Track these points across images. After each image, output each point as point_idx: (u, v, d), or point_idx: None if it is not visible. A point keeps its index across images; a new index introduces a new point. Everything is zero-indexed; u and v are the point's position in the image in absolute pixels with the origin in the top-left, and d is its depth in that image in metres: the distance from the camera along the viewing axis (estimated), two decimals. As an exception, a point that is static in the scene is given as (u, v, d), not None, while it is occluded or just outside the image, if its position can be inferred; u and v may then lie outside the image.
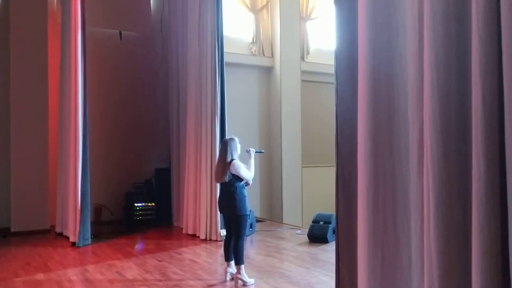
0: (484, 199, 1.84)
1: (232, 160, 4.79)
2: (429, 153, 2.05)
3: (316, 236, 6.69)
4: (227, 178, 4.77)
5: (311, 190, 9.66)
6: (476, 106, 1.88)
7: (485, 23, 1.84)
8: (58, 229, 7.44)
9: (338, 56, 2.71)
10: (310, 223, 7.00)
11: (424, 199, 2.10)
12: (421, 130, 2.14)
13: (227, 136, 5.46)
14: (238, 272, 4.80)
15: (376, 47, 2.39)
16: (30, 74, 7.60)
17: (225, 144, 4.87)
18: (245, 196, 4.87)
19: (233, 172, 4.78)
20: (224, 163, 4.79)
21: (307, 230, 6.98)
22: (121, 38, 8.77)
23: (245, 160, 5.04)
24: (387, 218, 2.34)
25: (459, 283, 1.96)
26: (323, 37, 10.75)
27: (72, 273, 5.23)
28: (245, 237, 4.99)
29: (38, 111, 7.67)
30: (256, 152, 5.33)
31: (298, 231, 7.56)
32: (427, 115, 2.06)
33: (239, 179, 4.85)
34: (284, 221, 9.15)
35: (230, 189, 4.81)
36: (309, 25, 10.50)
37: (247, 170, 4.91)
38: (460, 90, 2.03)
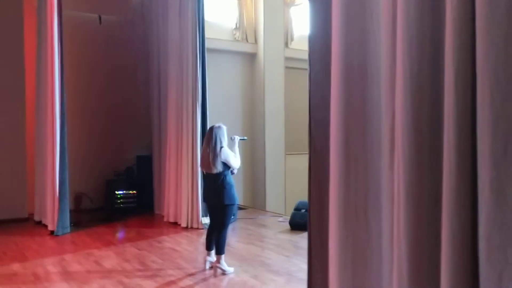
0: (455, 191, 1.80)
1: (221, 148, 4.69)
2: (400, 142, 2.00)
3: (298, 224, 6.67)
4: (219, 168, 4.65)
5: (294, 177, 9.63)
6: (448, 97, 1.83)
7: (459, 10, 1.78)
8: (36, 218, 7.33)
9: (311, 42, 2.64)
10: (292, 210, 6.99)
11: (395, 189, 2.06)
12: (393, 119, 2.10)
13: (211, 123, 5.36)
14: (218, 261, 4.76)
15: (350, 33, 2.33)
16: (5, 60, 7.41)
17: (213, 132, 4.72)
18: (233, 185, 4.79)
19: (222, 160, 4.69)
20: (214, 151, 4.65)
21: (289, 218, 6.98)
22: (100, 22, 8.57)
23: (229, 147, 4.96)
24: (358, 209, 2.30)
25: (429, 276, 1.93)
26: (307, 23, 10.64)
27: (49, 263, 5.15)
28: (228, 226, 4.94)
29: (15, 98, 7.50)
30: (240, 139, 5.24)
31: (280, 219, 7.55)
32: (399, 102, 2.01)
33: (227, 167, 4.76)
34: (267, 208, 9.13)
35: (219, 178, 4.69)
36: (293, 11, 10.38)
37: (235, 158, 4.83)
38: (433, 79, 1.97)
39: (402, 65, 1.98)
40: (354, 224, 2.29)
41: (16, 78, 7.51)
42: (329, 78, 2.41)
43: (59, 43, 6.62)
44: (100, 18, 8.55)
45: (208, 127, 5.77)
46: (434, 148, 1.96)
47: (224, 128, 4.80)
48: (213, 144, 4.66)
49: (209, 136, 4.74)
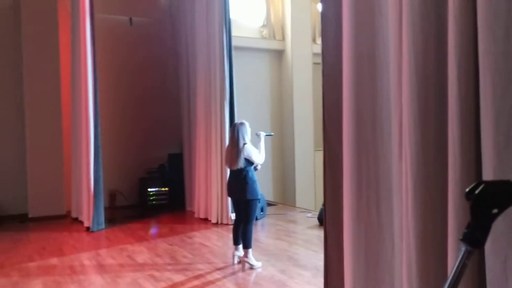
0: (460, 182, 1.81)
1: (244, 144, 4.78)
2: (407, 135, 2.02)
3: (326, 219, 6.67)
4: (241, 164, 4.75)
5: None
6: (452, 90, 1.84)
7: (461, 6, 1.79)
8: (73, 214, 7.63)
9: (324, 38, 2.67)
10: (321, 206, 6.99)
11: (403, 181, 2.08)
12: (401, 113, 2.11)
13: (237, 120, 5.44)
14: (246, 255, 4.84)
15: (360, 30, 2.35)
16: (42, 62, 7.72)
17: (235, 129, 4.83)
18: (255, 181, 4.87)
19: (245, 157, 4.77)
20: (237, 148, 4.75)
21: (317, 213, 6.99)
22: (131, 24, 8.81)
23: (254, 143, 5.04)
24: (370, 202, 2.33)
25: (437, 266, 1.95)
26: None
27: (85, 257, 5.37)
28: (254, 221, 5.01)
29: (52, 98, 7.80)
30: (266, 135, 5.30)
31: (309, 215, 7.57)
32: (405, 94, 2.02)
33: (250, 163, 4.85)
34: (297, 204, 9.16)
35: (242, 174, 4.80)
36: (320, 7, 10.34)
37: (258, 154, 4.90)
38: (438, 73, 1.98)
39: (408, 60, 2.00)
40: (366, 217, 2.32)
41: (53, 80, 7.82)
42: (341, 73, 2.44)
43: (92, 45, 6.86)
44: (130, 20, 8.79)
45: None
46: (439, 140, 1.97)
47: (247, 124, 4.88)
48: (236, 140, 4.76)
49: (232, 133, 4.85)
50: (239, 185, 4.83)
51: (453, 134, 1.83)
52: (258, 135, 5.17)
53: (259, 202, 5.14)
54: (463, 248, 0.98)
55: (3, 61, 7.80)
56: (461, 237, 0.99)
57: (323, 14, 2.71)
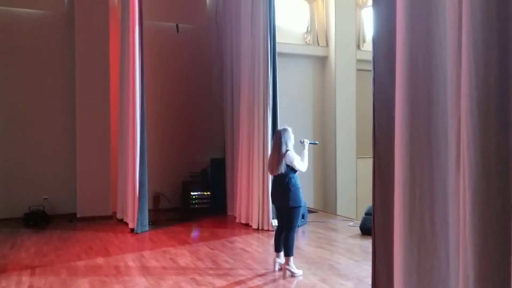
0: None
1: (287, 151, 4.78)
2: (466, 147, 1.94)
3: (368, 229, 6.52)
4: (282, 170, 4.75)
5: (366, 181, 9.44)
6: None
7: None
8: (119, 216, 7.83)
9: (375, 44, 2.62)
10: (363, 215, 6.88)
11: (461, 195, 2.00)
12: (459, 123, 2.03)
13: (280, 127, 5.44)
14: (287, 263, 4.81)
15: (415, 36, 2.29)
16: (93, 68, 8.00)
17: (278, 135, 4.83)
18: (299, 188, 4.84)
19: (287, 163, 4.77)
20: (279, 154, 4.76)
21: (359, 222, 6.88)
22: (177, 31, 9.00)
23: (298, 151, 5.02)
24: (423, 213, 2.25)
25: (496, 285, 1.86)
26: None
27: (129, 258, 5.50)
28: (296, 228, 4.98)
29: (101, 104, 8.06)
30: (310, 143, 5.26)
31: (351, 223, 7.45)
32: (464, 107, 1.95)
33: (294, 170, 4.82)
34: (338, 212, 9.05)
35: (285, 180, 4.79)
36: (365, 12, 10.21)
37: (301, 162, 4.88)
38: (500, 83, 1.89)
39: (468, 68, 1.92)
40: (419, 229, 2.25)
41: (102, 85, 8.08)
42: (394, 80, 2.39)
43: (140, 52, 7.04)
44: (177, 26, 8.98)
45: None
46: (501, 153, 1.88)
47: (290, 130, 4.87)
48: (278, 146, 4.76)
49: (275, 139, 4.86)
50: (282, 192, 4.81)
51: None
52: (302, 143, 5.14)
53: (304, 210, 5.09)
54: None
55: (56, 65, 8.16)
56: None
57: (375, 19, 2.66)
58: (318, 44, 9.81)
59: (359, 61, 9.79)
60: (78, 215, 7.89)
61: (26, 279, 4.70)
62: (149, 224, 7.13)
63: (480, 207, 1.91)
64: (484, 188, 1.91)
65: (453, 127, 2.12)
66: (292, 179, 4.80)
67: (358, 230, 6.78)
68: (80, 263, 5.28)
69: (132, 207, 7.09)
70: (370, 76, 9.73)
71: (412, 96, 2.32)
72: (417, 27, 2.31)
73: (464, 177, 1.97)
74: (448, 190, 2.19)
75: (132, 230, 6.96)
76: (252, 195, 7.20)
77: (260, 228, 7.03)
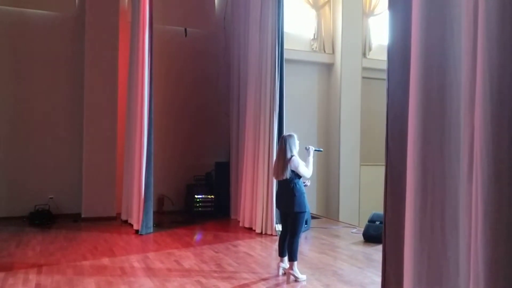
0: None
1: (292, 156, 4.84)
2: (479, 156, 1.98)
3: (372, 236, 6.60)
4: (287, 175, 4.81)
5: (369, 188, 9.51)
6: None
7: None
8: (123, 217, 7.87)
9: (390, 53, 2.67)
10: (366, 222, 6.92)
11: (472, 204, 2.04)
12: (472, 132, 2.07)
13: (286, 133, 5.50)
14: (291, 268, 4.85)
15: (430, 45, 2.33)
16: (101, 71, 8.08)
17: (284, 141, 4.88)
18: (303, 193, 4.88)
19: (292, 169, 4.82)
20: (284, 159, 4.82)
21: (362, 229, 6.92)
22: (186, 35, 9.08)
23: (303, 157, 5.07)
24: (435, 222, 2.30)
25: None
26: (386, 33, 10.49)
27: (134, 259, 5.53)
28: (300, 233, 5.03)
29: (108, 105, 8.13)
30: (315, 150, 5.32)
31: (354, 230, 7.49)
32: (478, 118, 1.99)
33: (298, 176, 4.87)
34: (341, 219, 9.09)
35: (289, 186, 4.84)
36: (371, 21, 10.29)
37: (305, 168, 4.93)
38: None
39: (483, 76, 1.96)
40: (430, 237, 2.29)
41: (110, 87, 8.15)
42: (407, 89, 2.43)
43: (149, 55, 7.10)
44: (186, 31, 9.06)
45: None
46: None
47: (295, 136, 4.93)
48: (284, 152, 4.81)
49: (280, 145, 4.92)
50: (287, 197, 4.86)
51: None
52: (307, 149, 5.20)
53: (308, 216, 5.14)
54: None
55: (65, 66, 8.22)
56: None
57: (390, 30, 2.71)
58: (325, 51, 9.89)
59: (365, 69, 9.86)
60: (83, 215, 7.94)
61: (33, 277, 4.75)
62: (153, 226, 7.17)
63: (492, 216, 1.96)
64: (496, 198, 1.95)
65: (466, 137, 2.16)
66: (297, 185, 4.86)
67: (361, 237, 6.82)
68: (86, 263, 5.32)
69: (137, 208, 7.14)
70: (375, 84, 9.78)
71: (425, 107, 2.36)
72: (432, 37, 2.35)
73: (477, 187, 2.01)
74: (459, 199, 2.24)
75: (137, 231, 7.00)
76: (257, 199, 7.24)
77: (263, 233, 7.07)
